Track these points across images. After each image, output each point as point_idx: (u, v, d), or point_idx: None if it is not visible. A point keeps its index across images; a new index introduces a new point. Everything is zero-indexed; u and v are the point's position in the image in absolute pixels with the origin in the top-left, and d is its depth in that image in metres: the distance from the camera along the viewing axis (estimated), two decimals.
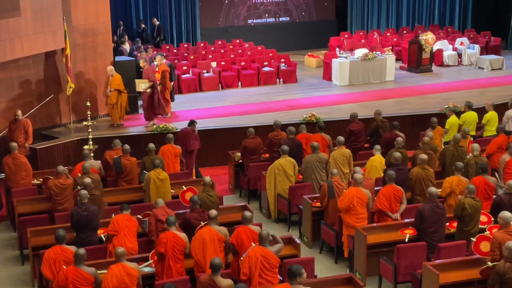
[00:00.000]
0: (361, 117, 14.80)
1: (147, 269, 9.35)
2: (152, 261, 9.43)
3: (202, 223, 9.61)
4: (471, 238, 9.48)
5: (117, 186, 12.52)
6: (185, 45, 22.56)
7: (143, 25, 22.56)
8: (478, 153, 12.07)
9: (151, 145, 12.65)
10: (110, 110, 15.89)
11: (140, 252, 9.87)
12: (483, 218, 10.18)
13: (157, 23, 22.61)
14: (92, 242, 10.01)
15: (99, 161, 12.66)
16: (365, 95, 18.65)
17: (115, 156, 12.53)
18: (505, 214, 8.92)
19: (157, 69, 16.41)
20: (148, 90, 15.69)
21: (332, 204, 11.06)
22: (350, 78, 19.83)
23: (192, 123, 14.03)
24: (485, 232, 9.71)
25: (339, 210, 10.77)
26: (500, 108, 15.59)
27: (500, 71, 21.46)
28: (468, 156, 12.16)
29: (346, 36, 24.07)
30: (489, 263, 8.56)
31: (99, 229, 10.32)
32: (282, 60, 20.88)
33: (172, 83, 17.26)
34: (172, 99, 17.50)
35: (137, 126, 15.98)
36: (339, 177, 11.72)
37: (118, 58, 17.18)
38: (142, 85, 15.78)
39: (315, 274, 9.47)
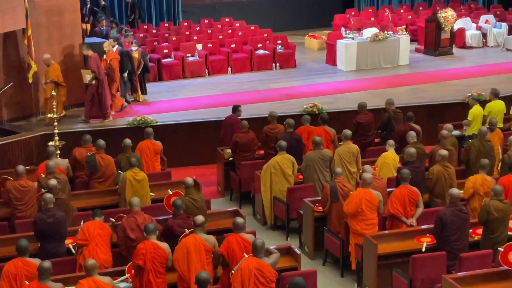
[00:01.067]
0: (370, 108, 14.80)
1: (123, 285, 9.34)
2: (128, 275, 9.43)
3: (187, 231, 9.61)
4: (498, 248, 9.50)
5: (88, 188, 12.49)
6: (166, 25, 22.53)
7: (103, 2, 22.09)
8: None
9: (127, 141, 12.62)
10: (42, 106, 15.42)
11: (114, 264, 9.86)
12: None
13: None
14: (58, 254, 9.99)
15: (67, 160, 12.63)
16: (375, 82, 18.69)
17: (89, 154, 12.48)
18: None
19: (104, 57, 15.84)
20: (94, 82, 15.27)
21: (335, 208, 11.07)
22: (357, 62, 19.87)
23: (236, 108, 14.05)
24: None
25: (344, 216, 10.79)
26: None
27: None
28: (508, 152, 12.15)
29: (353, 13, 24.10)
30: None
31: (67, 238, 10.30)
32: (279, 41, 20.90)
33: (125, 73, 16.62)
34: (144, 92, 17.41)
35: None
36: (344, 177, 11.74)
37: (89, 40, 17.08)
38: (87, 76, 15.32)
39: None
